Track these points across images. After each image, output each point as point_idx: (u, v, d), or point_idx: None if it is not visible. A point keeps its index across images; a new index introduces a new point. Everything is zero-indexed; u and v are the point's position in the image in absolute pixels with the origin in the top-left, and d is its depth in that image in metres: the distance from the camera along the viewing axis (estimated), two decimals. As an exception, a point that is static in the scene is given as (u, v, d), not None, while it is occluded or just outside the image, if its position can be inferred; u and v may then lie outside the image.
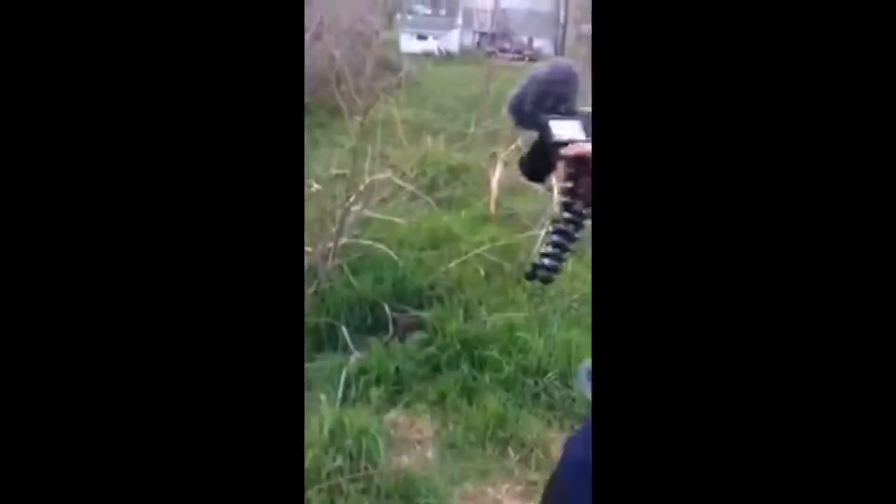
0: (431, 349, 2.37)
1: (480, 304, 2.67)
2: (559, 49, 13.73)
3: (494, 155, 3.94)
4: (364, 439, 1.82)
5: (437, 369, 2.31)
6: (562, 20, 14.38)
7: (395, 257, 2.85)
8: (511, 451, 1.97)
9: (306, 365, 2.14)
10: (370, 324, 2.57)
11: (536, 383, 2.20)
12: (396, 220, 3.29)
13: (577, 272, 2.88)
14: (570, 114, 0.94)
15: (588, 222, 0.90)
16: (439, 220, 3.57)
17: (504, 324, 2.49)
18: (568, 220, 0.91)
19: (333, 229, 2.71)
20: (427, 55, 11.57)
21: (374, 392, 2.15)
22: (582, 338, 2.36)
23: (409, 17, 13.49)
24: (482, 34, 14.59)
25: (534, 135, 0.95)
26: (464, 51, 13.65)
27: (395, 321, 2.55)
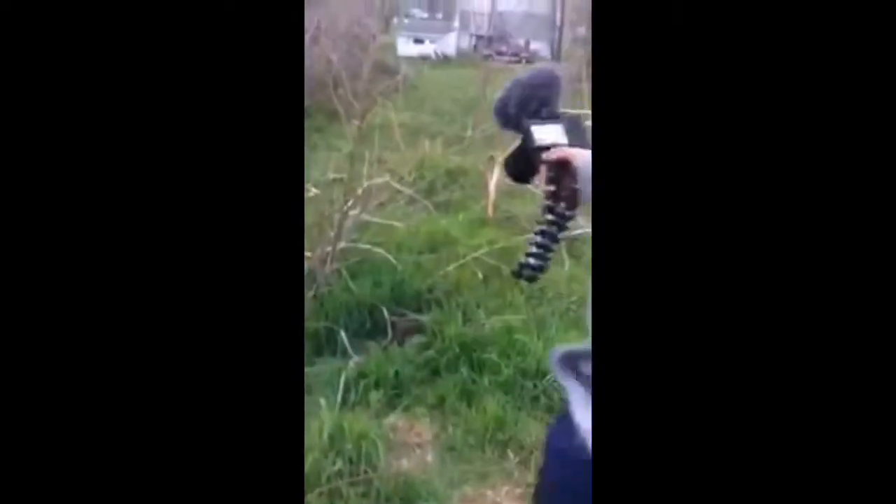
0: (430, 353, 2.37)
1: (479, 307, 2.67)
2: (556, 52, 13.74)
3: (492, 158, 3.94)
4: (364, 443, 1.82)
5: (435, 373, 2.32)
6: (558, 23, 14.39)
7: (394, 261, 2.86)
8: (510, 454, 1.97)
9: (305, 369, 2.14)
10: (369, 328, 2.57)
11: (535, 386, 2.20)
12: (394, 223, 3.30)
13: (575, 274, 2.89)
14: (552, 117, 0.96)
15: (571, 223, 0.93)
16: (437, 224, 3.58)
17: (502, 326, 2.49)
18: (551, 222, 0.93)
19: (332, 234, 2.71)
20: (424, 59, 11.58)
21: (374, 396, 2.15)
22: (580, 340, 2.36)
23: (406, 21, 13.49)
24: (479, 37, 14.60)
25: (518, 137, 0.97)
26: (461, 54, 13.64)
27: (393, 325, 2.55)
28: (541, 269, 0.94)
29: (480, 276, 2.93)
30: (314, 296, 2.56)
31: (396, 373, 2.25)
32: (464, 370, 2.28)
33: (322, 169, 3.62)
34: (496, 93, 1.01)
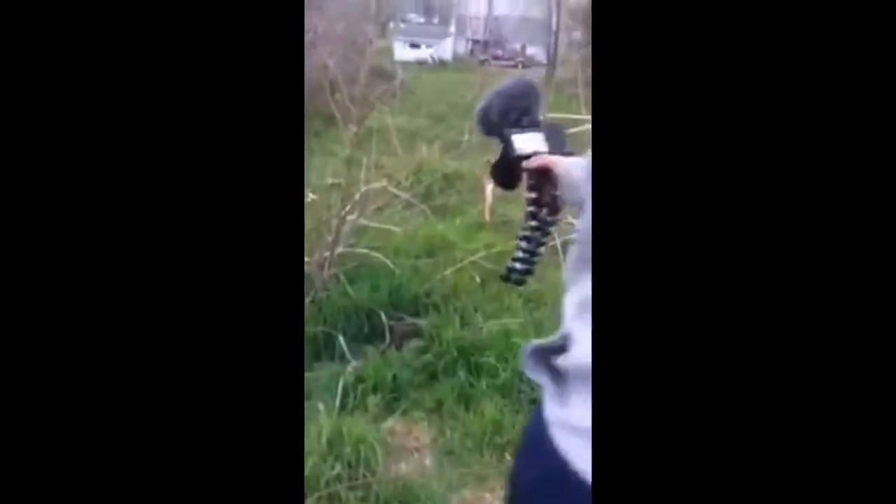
0: (428, 356, 2.37)
1: (476, 310, 2.67)
2: (551, 56, 13.77)
3: (489, 162, 3.94)
4: (362, 447, 1.83)
5: (433, 377, 2.32)
6: (554, 27, 14.42)
7: (391, 265, 2.86)
8: (508, 457, 1.97)
9: (305, 374, 2.14)
10: (367, 332, 2.57)
11: (533, 389, 2.21)
12: (392, 228, 3.30)
13: (573, 278, 2.88)
14: (532, 126, 0.98)
15: (554, 228, 0.96)
16: (434, 228, 3.58)
17: (500, 330, 2.50)
18: (535, 228, 0.96)
19: (329, 238, 2.72)
20: (421, 63, 11.59)
21: (372, 400, 2.16)
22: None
23: (403, 26, 13.52)
24: (475, 42, 14.64)
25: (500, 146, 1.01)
26: (457, 58, 13.68)
27: (391, 329, 2.56)
28: (528, 272, 0.98)
29: (478, 279, 2.94)
30: (312, 301, 2.57)
31: (394, 377, 2.26)
32: (461, 374, 2.28)
33: (320, 174, 3.62)
34: (477, 103, 1.03)
